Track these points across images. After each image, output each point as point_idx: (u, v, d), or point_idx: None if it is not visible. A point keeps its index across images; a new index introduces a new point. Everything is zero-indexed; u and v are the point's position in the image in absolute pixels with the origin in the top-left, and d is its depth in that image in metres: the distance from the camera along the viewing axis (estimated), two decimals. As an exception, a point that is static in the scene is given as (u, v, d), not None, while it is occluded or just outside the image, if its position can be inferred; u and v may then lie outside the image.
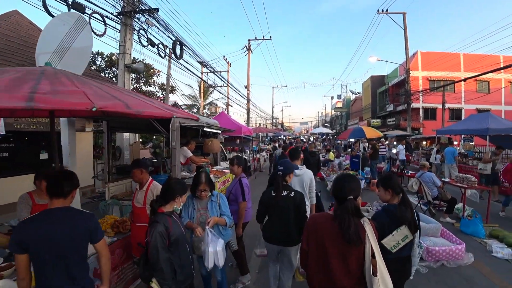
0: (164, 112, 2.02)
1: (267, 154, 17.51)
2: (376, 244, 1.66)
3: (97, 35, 6.80)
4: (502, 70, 20.36)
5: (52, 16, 5.14)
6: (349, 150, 20.15)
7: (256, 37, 25.98)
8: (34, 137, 6.93)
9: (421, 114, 24.34)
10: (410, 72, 19.93)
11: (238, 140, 10.02)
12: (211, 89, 32.20)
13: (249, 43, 26.13)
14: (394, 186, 2.21)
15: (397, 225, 2.06)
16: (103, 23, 6.84)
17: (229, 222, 2.88)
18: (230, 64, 28.57)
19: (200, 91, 29.82)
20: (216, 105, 34.64)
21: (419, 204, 6.40)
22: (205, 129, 5.75)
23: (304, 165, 3.81)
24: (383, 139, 11.54)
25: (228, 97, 26.74)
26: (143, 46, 8.24)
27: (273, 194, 2.77)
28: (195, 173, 5.69)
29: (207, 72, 26.60)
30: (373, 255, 1.62)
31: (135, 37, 7.97)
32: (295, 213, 2.71)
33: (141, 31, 7.93)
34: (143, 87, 18.72)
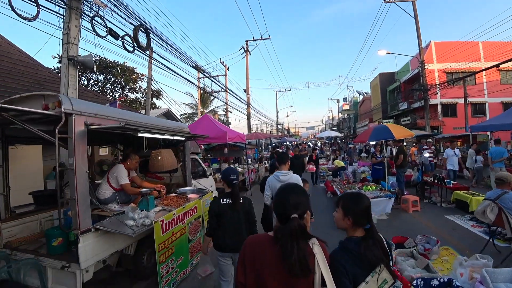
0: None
1: (267, 163, 15.38)
2: (328, 271, 1.28)
3: (25, 18, 5.11)
4: None
5: None
6: (364, 155, 17.85)
7: (253, 37, 24.27)
8: None
9: (439, 110, 21.93)
10: (425, 65, 17.64)
11: (226, 149, 8.04)
12: (211, 97, 30.68)
13: (246, 44, 24.47)
14: (358, 213, 1.53)
15: (366, 269, 1.43)
16: (34, 3, 5.17)
17: None
18: (228, 67, 26.83)
19: (198, 99, 28.09)
20: (217, 112, 32.92)
21: (493, 242, 4.17)
22: (155, 136, 3.69)
23: (291, 170, 3.67)
24: (429, 140, 9.11)
25: (226, 103, 24.92)
26: (100, 36, 6.42)
27: (229, 202, 2.79)
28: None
29: (203, 77, 25.03)
30: (324, 285, 1.25)
31: (86, 24, 6.19)
32: (245, 219, 2.83)
33: (96, 18, 6.21)
34: (129, 94, 16.86)
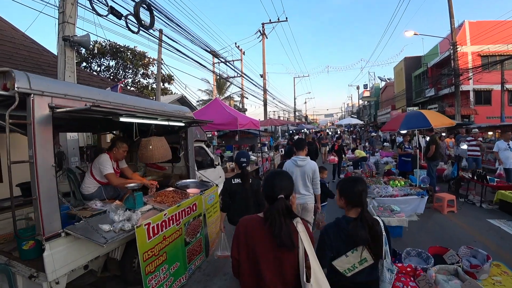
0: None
1: (283, 151, 14.65)
2: (311, 246, 1.50)
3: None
4: None
5: None
6: (387, 144, 16.63)
7: (270, 20, 23.17)
8: None
9: (471, 98, 20.17)
10: (457, 47, 15.96)
11: (237, 136, 7.42)
12: (228, 83, 29.99)
13: (263, 27, 23.44)
14: (350, 194, 1.82)
15: (350, 245, 1.72)
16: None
17: None
18: (244, 52, 25.93)
19: (214, 85, 27.55)
20: (233, 98, 32.25)
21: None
22: (143, 121, 3.10)
23: (308, 156, 3.78)
24: (475, 130, 7.95)
25: (242, 89, 24.19)
26: (100, 15, 5.87)
27: (239, 182, 3.17)
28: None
29: (218, 63, 24.32)
30: (307, 258, 1.45)
31: (85, 2, 5.66)
32: (254, 198, 3.18)
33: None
34: (142, 80, 16.48)
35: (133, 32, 6.89)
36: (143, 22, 6.66)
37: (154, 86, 15.74)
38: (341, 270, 1.73)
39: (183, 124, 3.94)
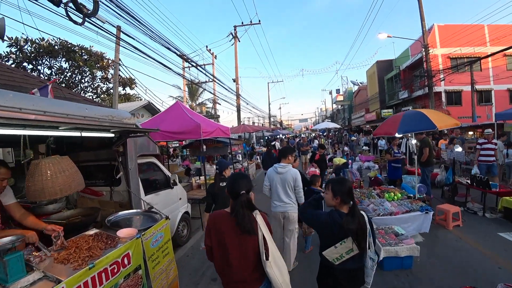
0: None
1: (259, 158, 13.62)
2: (268, 231, 1.84)
3: None
4: None
5: None
6: (366, 148, 15.99)
7: (242, 23, 22.34)
8: None
9: (443, 99, 20.41)
10: (429, 49, 15.91)
11: (204, 147, 6.25)
12: (201, 89, 28.63)
13: (235, 30, 22.53)
14: (344, 193, 2.06)
15: (339, 236, 1.99)
16: None
17: None
18: (216, 56, 24.83)
19: (184, 90, 26.06)
20: (205, 105, 30.85)
21: None
22: (29, 132, 1.85)
23: (289, 164, 3.75)
24: (488, 131, 7.00)
25: (214, 94, 22.99)
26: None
27: (224, 185, 3.58)
28: None
29: (189, 67, 22.99)
30: (266, 242, 1.79)
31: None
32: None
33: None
34: (101, 84, 14.78)
35: (75, 23, 5.63)
36: (87, 10, 5.35)
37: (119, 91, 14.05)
38: (330, 260, 2.02)
39: (111, 135, 2.73)
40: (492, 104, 20.63)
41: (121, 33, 9.19)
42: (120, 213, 2.91)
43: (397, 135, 4.89)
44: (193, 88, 29.26)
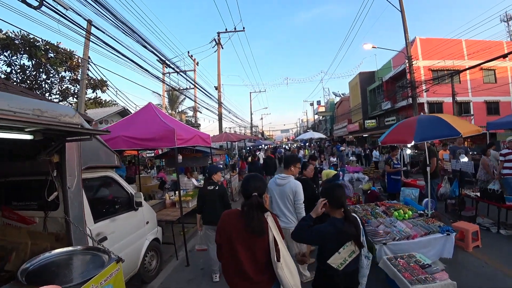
0: None
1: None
2: (278, 233, 1.82)
3: None
4: (508, 57, 17.38)
5: None
6: (352, 158, 15.32)
7: (226, 29, 21.76)
8: None
9: (426, 109, 20.56)
10: (412, 61, 15.93)
11: (180, 156, 5.33)
12: (182, 97, 27.52)
13: (218, 36, 21.88)
14: (334, 199, 2.09)
15: (342, 241, 2.01)
16: None
17: None
18: (198, 62, 24.03)
19: (163, 96, 24.83)
20: (185, 113, 29.65)
21: None
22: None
23: (291, 176, 3.45)
24: (510, 138, 6.22)
25: (195, 101, 21.99)
26: None
27: (211, 188, 3.83)
28: None
29: (169, 73, 22.00)
30: (276, 244, 1.77)
31: None
32: (220, 200, 3.75)
33: None
34: (70, 86, 13.39)
35: (30, 6, 4.80)
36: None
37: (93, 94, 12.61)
38: (335, 266, 1.99)
39: (28, 136, 1.78)
40: (472, 115, 21.02)
41: (93, 27, 8.19)
42: (44, 255, 1.92)
43: (413, 143, 4.18)
44: (173, 95, 28.14)
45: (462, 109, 21.35)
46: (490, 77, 22.07)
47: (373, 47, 17.26)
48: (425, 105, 20.68)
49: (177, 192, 6.00)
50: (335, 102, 43.16)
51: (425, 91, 17.93)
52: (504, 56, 13.48)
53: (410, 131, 4.17)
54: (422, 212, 4.65)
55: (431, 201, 5.17)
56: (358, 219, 2.12)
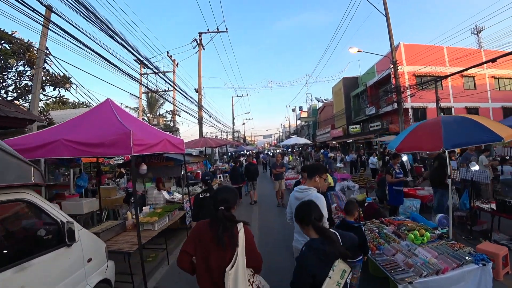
0: None
1: (222, 177, 11.77)
2: (243, 246, 1.82)
3: None
4: (485, 65, 17.64)
5: None
6: (340, 165, 14.56)
7: (208, 30, 20.86)
8: None
9: (411, 115, 20.47)
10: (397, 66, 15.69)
11: (144, 166, 4.31)
12: (161, 100, 26.14)
13: (200, 37, 20.91)
14: (299, 219, 2.05)
15: (328, 262, 1.74)
16: None
17: None
18: (178, 64, 22.83)
19: (140, 98, 23.37)
20: (164, 117, 28.20)
21: None
22: None
23: (313, 188, 2.86)
24: None
25: (174, 104, 20.78)
26: None
27: (205, 196, 3.89)
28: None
29: (146, 74, 20.72)
30: (237, 256, 1.78)
31: None
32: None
33: None
34: (30, 83, 11.85)
35: None
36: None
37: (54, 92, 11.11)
38: None
39: None
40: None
41: (53, 13, 7.01)
42: None
43: (446, 149, 3.40)
44: (153, 98, 26.72)
45: (445, 114, 21.47)
46: (470, 83, 22.46)
47: (358, 51, 16.99)
48: (410, 111, 20.59)
49: (144, 208, 4.94)
50: (317, 108, 43.03)
51: (410, 96, 17.76)
52: (483, 63, 13.70)
53: (434, 136, 3.41)
54: (440, 233, 3.88)
55: (446, 218, 4.45)
56: (336, 233, 1.98)
